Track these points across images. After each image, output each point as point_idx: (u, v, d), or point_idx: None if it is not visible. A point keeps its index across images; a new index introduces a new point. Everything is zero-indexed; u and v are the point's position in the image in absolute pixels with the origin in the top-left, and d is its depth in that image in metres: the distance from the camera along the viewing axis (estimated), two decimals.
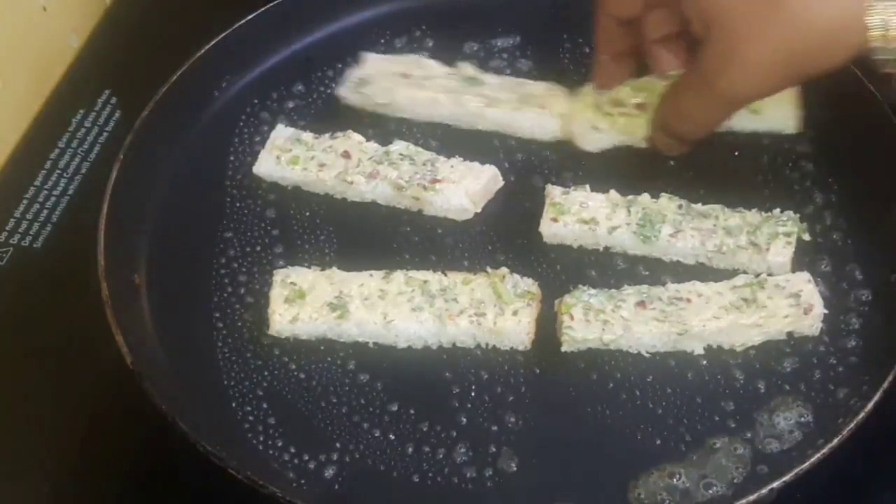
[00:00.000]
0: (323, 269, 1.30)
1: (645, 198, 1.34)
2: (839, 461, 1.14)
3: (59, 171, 1.53)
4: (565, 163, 1.42)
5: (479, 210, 1.37)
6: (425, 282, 1.28)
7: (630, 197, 1.34)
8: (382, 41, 1.55)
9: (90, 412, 1.32)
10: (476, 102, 1.44)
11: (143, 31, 1.71)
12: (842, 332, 1.26)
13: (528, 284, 1.28)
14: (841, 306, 1.27)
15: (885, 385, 1.16)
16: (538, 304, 1.27)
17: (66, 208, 1.50)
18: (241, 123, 1.47)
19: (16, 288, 1.42)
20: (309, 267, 1.31)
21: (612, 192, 1.35)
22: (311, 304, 1.27)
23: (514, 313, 1.25)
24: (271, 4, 1.53)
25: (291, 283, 1.28)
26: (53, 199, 1.51)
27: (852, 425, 1.14)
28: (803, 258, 1.30)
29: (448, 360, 1.26)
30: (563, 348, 1.25)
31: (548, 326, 1.27)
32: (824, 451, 1.12)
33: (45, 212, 1.49)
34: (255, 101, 1.49)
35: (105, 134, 1.58)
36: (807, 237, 1.32)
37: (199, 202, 1.41)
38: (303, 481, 1.17)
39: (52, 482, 1.27)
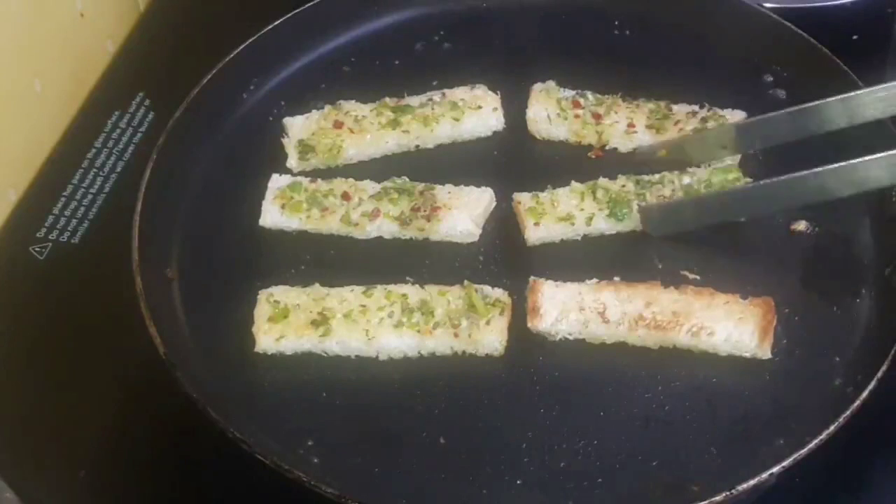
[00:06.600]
0: (305, 286, 1.31)
1: (604, 181, 1.38)
2: (837, 448, 1.16)
3: (95, 170, 1.57)
4: (526, 164, 1.46)
5: (480, 231, 1.38)
6: (404, 295, 1.29)
7: (590, 182, 1.38)
8: (404, 45, 1.57)
9: (124, 399, 1.35)
10: (416, 125, 1.45)
11: (175, 37, 1.74)
12: (838, 321, 1.28)
13: (499, 294, 1.30)
14: (838, 297, 1.29)
15: (880, 374, 1.18)
16: (509, 312, 1.29)
17: (102, 205, 1.53)
18: (269, 125, 1.49)
19: (55, 281, 1.45)
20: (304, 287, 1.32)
21: (574, 183, 1.38)
22: (294, 322, 1.28)
23: (487, 322, 1.28)
24: (296, 11, 1.55)
25: (275, 301, 1.29)
26: (90, 196, 1.54)
27: (848, 412, 1.16)
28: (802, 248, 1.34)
29: (428, 367, 1.28)
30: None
31: (519, 333, 1.29)
32: (822, 436, 1.15)
33: (83, 209, 1.52)
34: (282, 102, 1.51)
35: (139, 134, 1.60)
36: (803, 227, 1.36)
37: (229, 199, 1.42)
38: (328, 467, 1.19)
39: (87, 468, 1.30)
